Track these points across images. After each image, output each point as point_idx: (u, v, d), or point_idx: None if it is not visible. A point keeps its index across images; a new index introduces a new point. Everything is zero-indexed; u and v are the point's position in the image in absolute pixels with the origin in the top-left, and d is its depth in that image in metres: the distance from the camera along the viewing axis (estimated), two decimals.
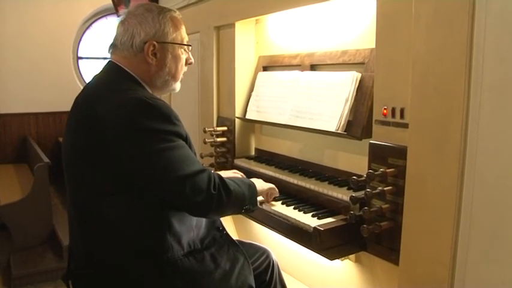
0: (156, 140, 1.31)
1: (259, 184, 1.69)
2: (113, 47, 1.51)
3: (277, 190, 1.79)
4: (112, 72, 1.49)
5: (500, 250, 1.16)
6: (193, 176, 1.33)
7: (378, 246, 1.52)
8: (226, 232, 1.63)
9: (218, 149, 2.47)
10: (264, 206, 1.78)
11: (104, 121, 1.33)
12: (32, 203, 3.88)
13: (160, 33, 1.46)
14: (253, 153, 2.47)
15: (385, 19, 1.47)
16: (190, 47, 1.59)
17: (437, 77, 1.26)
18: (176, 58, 1.51)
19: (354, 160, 1.80)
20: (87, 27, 6.29)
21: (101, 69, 1.53)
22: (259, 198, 1.70)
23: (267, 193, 1.76)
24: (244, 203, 1.52)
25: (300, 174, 1.96)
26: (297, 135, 2.10)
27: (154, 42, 1.45)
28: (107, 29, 6.37)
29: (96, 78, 1.51)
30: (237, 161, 2.34)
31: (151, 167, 1.31)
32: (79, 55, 6.20)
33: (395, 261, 1.44)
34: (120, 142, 1.30)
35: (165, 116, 1.34)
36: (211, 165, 2.48)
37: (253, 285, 1.56)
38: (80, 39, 6.22)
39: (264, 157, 2.34)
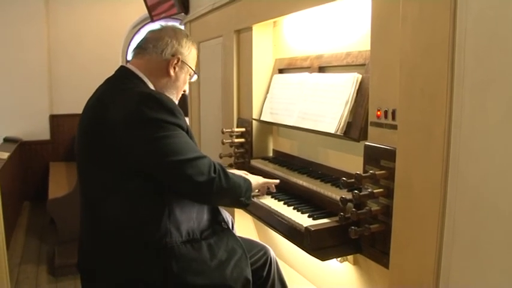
0: (160, 129, 1.43)
1: (255, 180, 1.78)
2: (140, 48, 1.65)
3: (273, 186, 1.90)
4: (122, 75, 1.62)
5: (482, 256, 1.13)
6: (195, 160, 1.46)
7: (372, 249, 1.51)
8: (228, 226, 1.69)
9: (237, 150, 2.53)
10: (255, 199, 1.86)
11: (112, 115, 1.45)
12: (75, 198, 4.10)
13: (186, 55, 1.68)
14: (271, 154, 2.50)
15: (379, 21, 1.46)
16: (191, 78, 1.77)
17: (423, 77, 1.24)
18: (185, 80, 1.71)
19: (360, 162, 1.79)
20: (136, 32, 6.59)
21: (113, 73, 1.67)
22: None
23: (262, 187, 1.87)
24: (241, 195, 1.61)
25: (307, 175, 1.97)
26: (308, 137, 2.11)
27: (180, 57, 1.64)
28: None
29: (107, 81, 1.64)
30: (253, 162, 2.38)
31: (155, 152, 1.42)
32: (128, 59, 6.51)
33: (386, 264, 1.43)
34: (127, 131, 1.43)
35: (169, 108, 1.46)
36: (230, 165, 2.54)
37: (250, 278, 1.60)
38: (129, 44, 6.52)
39: (280, 158, 2.37)
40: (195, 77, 1.77)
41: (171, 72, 1.63)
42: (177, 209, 1.51)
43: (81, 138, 1.58)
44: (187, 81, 1.74)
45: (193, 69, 1.73)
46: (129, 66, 1.63)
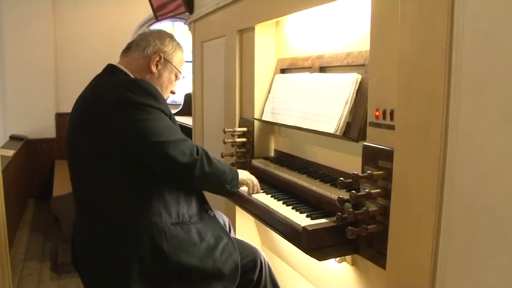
0: (144, 112, 1.52)
1: (244, 174, 1.85)
2: (127, 49, 1.76)
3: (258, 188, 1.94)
4: (109, 71, 1.71)
5: (478, 257, 1.12)
6: (178, 142, 1.55)
7: (369, 250, 1.50)
8: (214, 214, 1.75)
9: (238, 149, 2.53)
10: (252, 197, 1.90)
11: (100, 102, 1.55)
12: None
13: (169, 54, 1.76)
14: (272, 154, 2.50)
15: (378, 21, 1.46)
16: (178, 79, 1.86)
17: (421, 77, 1.24)
18: (169, 79, 1.79)
19: (360, 162, 1.78)
20: None
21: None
22: (244, 188, 1.88)
23: (252, 186, 1.90)
24: (226, 181, 1.68)
25: (307, 175, 1.97)
26: (309, 137, 2.11)
27: (162, 55, 1.74)
28: None
29: (95, 77, 1.72)
30: (254, 162, 2.38)
31: (138, 133, 1.52)
32: None
33: (383, 265, 1.42)
34: (114, 114, 1.52)
35: (152, 94, 1.57)
36: (232, 164, 2.54)
37: (239, 262, 1.65)
38: None
39: (281, 158, 2.36)
40: (182, 78, 1.86)
41: (153, 69, 1.72)
42: (166, 192, 1.59)
43: (73, 132, 1.64)
44: (174, 81, 1.81)
45: (179, 69, 1.81)
46: (115, 64, 1.73)
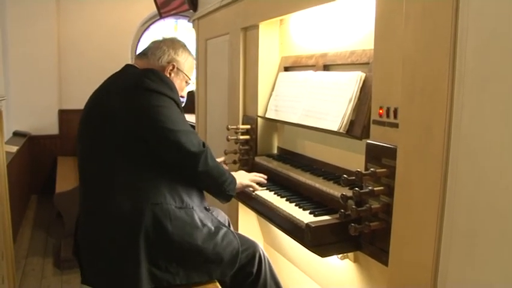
0: (159, 99, 1.62)
1: (240, 178, 1.91)
2: (142, 54, 1.84)
3: (261, 179, 2.03)
4: (127, 69, 1.78)
5: (480, 254, 1.13)
6: (188, 132, 1.65)
7: (371, 247, 1.52)
8: (211, 212, 1.80)
9: (242, 147, 2.54)
10: (254, 194, 1.97)
11: (118, 89, 1.64)
12: None
13: (182, 63, 1.87)
14: (275, 151, 2.51)
15: (383, 20, 1.46)
16: (188, 84, 1.96)
17: (424, 76, 1.25)
18: (180, 85, 1.88)
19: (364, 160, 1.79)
20: (145, 29, 6.64)
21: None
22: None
23: (254, 182, 1.98)
24: (225, 183, 1.75)
25: (310, 173, 1.98)
26: (312, 134, 2.12)
27: (175, 64, 1.84)
28: (165, 31, 6.70)
29: (113, 74, 1.77)
30: (257, 159, 2.39)
31: (152, 117, 1.59)
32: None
33: (386, 262, 1.43)
34: (130, 98, 1.61)
35: (168, 84, 1.68)
36: (234, 162, 2.56)
37: (239, 248, 1.71)
38: (138, 41, 6.57)
39: (284, 155, 2.37)
40: (192, 85, 1.94)
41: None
42: (171, 179, 1.65)
43: (87, 121, 1.70)
44: (184, 87, 1.90)
45: (189, 76, 1.91)
46: (133, 64, 1.81)
